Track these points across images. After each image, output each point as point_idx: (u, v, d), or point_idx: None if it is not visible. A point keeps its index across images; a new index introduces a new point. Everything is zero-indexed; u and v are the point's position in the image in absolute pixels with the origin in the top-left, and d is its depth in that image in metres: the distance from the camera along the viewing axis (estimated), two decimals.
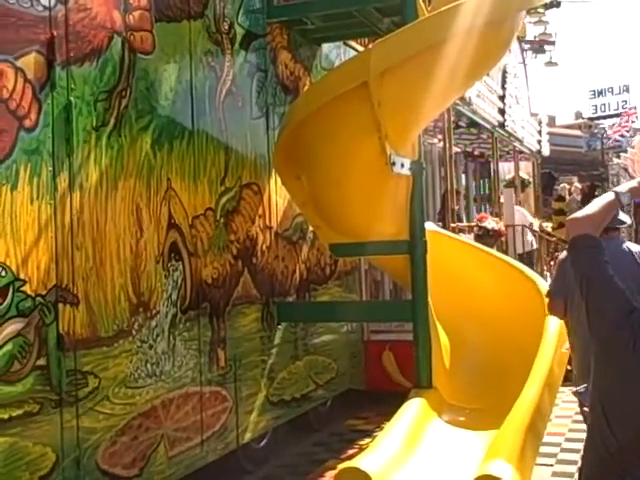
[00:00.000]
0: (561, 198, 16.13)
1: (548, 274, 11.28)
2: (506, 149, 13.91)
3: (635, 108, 28.67)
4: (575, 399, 6.95)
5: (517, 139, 13.40)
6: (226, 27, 5.60)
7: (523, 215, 12.15)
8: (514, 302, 6.44)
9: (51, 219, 3.93)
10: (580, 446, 6.25)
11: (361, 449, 5.80)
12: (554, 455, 6.10)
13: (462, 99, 9.41)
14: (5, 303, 3.64)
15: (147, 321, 4.59)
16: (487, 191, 14.85)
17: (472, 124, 11.37)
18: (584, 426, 5.66)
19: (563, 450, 6.26)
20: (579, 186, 18.10)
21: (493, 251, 8.01)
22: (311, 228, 6.55)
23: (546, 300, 5.00)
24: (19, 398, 3.68)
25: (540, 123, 16.07)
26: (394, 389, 6.88)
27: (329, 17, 6.55)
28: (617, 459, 2.28)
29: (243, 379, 5.59)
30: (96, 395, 4.14)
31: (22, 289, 3.74)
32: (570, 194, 17.00)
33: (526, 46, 17.38)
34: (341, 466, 4.40)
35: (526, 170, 16.18)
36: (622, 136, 26.71)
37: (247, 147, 5.84)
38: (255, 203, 5.91)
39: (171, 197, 4.88)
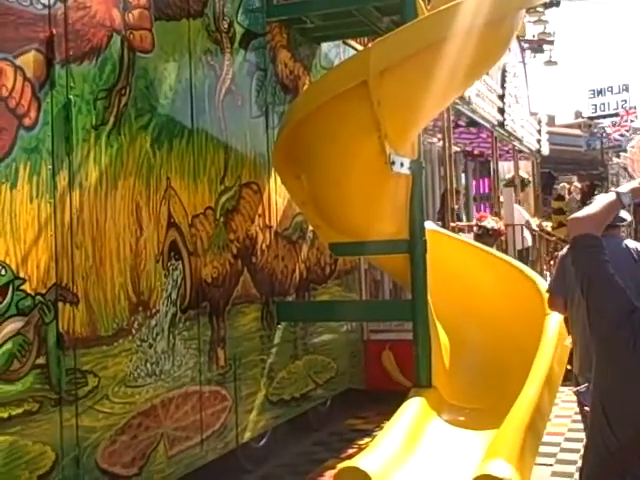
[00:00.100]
0: (560, 197, 16.14)
1: (548, 273, 11.29)
2: (505, 148, 13.91)
3: (635, 107, 28.66)
4: (574, 399, 6.95)
5: (517, 138, 13.40)
6: (225, 26, 5.60)
7: (520, 213, 12.15)
8: (514, 301, 6.43)
9: (51, 218, 3.93)
10: (579, 446, 6.28)
11: (361, 448, 5.80)
12: (554, 455, 6.10)
13: (462, 98, 9.41)
14: (5, 302, 3.64)
15: (147, 320, 4.59)
16: (487, 190, 14.86)
17: (472, 123, 11.36)
18: (583, 426, 5.67)
19: (563, 450, 6.26)
20: (578, 185, 18.10)
21: (493, 250, 8.01)
22: (311, 227, 6.55)
23: (546, 296, 5.01)
24: (19, 397, 3.68)
25: (540, 122, 16.07)
26: (394, 388, 6.88)
27: (329, 16, 6.54)
28: (617, 458, 2.28)
29: (243, 378, 5.59)
30: (96, 394, 4.14)
31: (22, 288, 3.74)
32: (570, 193, 17.00)
33: (525, 45, 17.36)
34: (341, 465, 4.39)
35: (526, 169, 16.18)
36: (622, 135, 26.71)
37: (247, 146, 5.83)
38: (255, 202, 5.90)
39: (171, 196, 4.87)
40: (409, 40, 5.34)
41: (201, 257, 5.15)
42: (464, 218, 11.98)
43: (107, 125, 4.37)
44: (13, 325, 3.67)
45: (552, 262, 11.96)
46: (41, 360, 3.82)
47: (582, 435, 6.18)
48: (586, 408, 3.91)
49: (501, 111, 11.81)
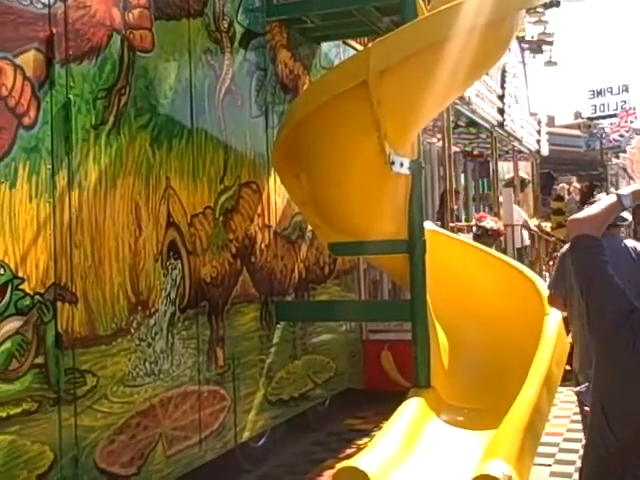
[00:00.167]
0: (560, 198, 16.13)
1: (547, 274, 11.28)
2: (505, 149, 13.91)
3: (634, 108, 28.63)
4: (573, 399, 6.95)
5: (516, 139, 13.39)
6: (225, 25, 5.60)
7: (517, 213, 12.14)
8: (513, 302, 6.43)
9: (50, 217, 3.93)
10: (578, 446, 6.29)
11: (359, 448, 5.80)
12: (552, 455, 6.10)
13: (461, 98, 9.41)
14: (4, 301, 3.64)
15: (146, 320, 4.59)
16: (486, 190, 14.86)
17: (471, 123, 11.36)
18: (583, 426, 5.67)
19: (561, 450, 6.27)
20: (578, 186, 18.10)
21: (492, 250, 8.01)
22: (310, 227, 6.54)
23: (546, 296, 5.03)
24: (17, 396, 3.67)
25: (539, 123, 16.06)
26: (392, 389, 6.88)
27: (329, 16, 6.54)
28: (617, 458, 2.28)
29: (241, 378, 5.59)
30: (94, 393, 4.14)
31: (21, 287, 3.74)
32: (569, 194, 17.00)
33: (524, 46, 17.35)
34: (339, 465, 4.40)
35: (525, 170, 16.18)
36: (621, 136, 26.70)
37: (246, 146, 5.83)
38: (254, 202, 5.90)
39: (170, 195, 4.87)
40: (409, 40, 5.34)
41: (200, 257, 5.15)
42: (463, 218, 11.98)
43: (107, 125, 4.37)
44: (12, 324, 3.67)
45: (551, 263, 11.96)
46: (40, 359, 3.82)
47: (581, 435, 6.18)
48: (586, 408, 3.91)
49: (501, 111, 11.80)
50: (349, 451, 6.27)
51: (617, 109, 28.57)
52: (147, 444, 4.55)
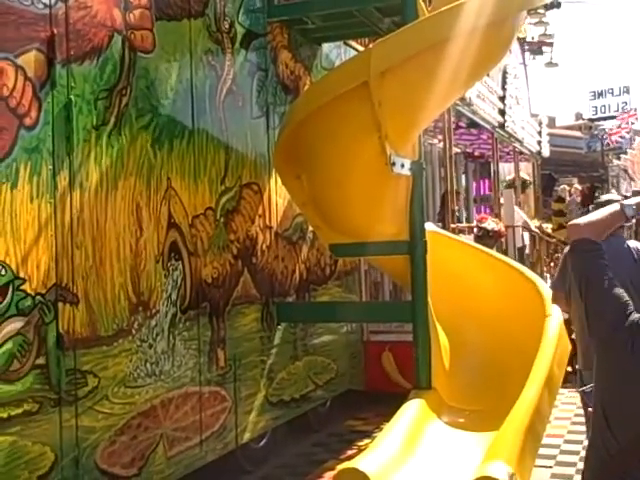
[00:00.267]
0: (561, 199, 16.13)
1: (548, 275, 11.28)
2: (506, 150, 13.91)
3: (635, 110, 28.65)
4: (574, 401, 6.94)
5: (517, 140, 13.40)
6: (227, 26, 5.59)
7: (518, 214, 12.15)
8: (514, 303, 6.42)
9: (51, 218, 3.93)
10: (579, 448, 6.28)
11: (360, 450, 5.80)
12: (553, 457, 6.10)
13: (462, 99, 9.41)
14: (5, 302, 3.64)
15: (147, 320, 4.58)
16: (487, 191, 14.86)
17: (472, 125, 11.37)
18: (583, 428, 5.68)
19: (562, 452, 6.26)
20: (579, 187, 18.11)
21: (493, 252, 8.00)
22: (311, 228, 6.54)
23: (546, 297, 5.02)
24: (18, 397, 3.67)
25: (540, 124, 16.07)
26: (393, 390, 6.87)
27: (330, 17, 6.54)
28: (617, 461, 2.28)
29: (242, 379, 5.58)
30: (95, 394, 4.14)
31: (22, 288, 3.74)
32: (570, 195, 17.01)
33: (525, 47, 17.35)
34: (340, 467, 4.39)
35: (526, 171, 16.18)
36: (622, 137, 26.72)
37: (247, 146, 5.83)
38: (255, 203, 5.90)
39: (171, 196, 4.87)
40: (410, 41, 5.34)
41: (201, 257, 5.15)
42: (464, 219, 11.98)
43: (108, 125, 4.37)
44: (13, 325, 3.67)
45: (552, 264, 11.96)
46: (41, 360, 3.82)
47: (582, 437, 6.19)
48: (589, 409, 3.91)
49: (502, 112, 11.81)
50: (350, 452, 6.26)
51: (618, 110, 28.59)
52: (148, 445, 4.55)
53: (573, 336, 5.39)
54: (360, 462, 4.20)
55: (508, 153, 14.32)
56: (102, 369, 4.19)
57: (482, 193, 15.69)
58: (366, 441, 6.37)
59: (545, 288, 6.09)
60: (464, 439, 5.11)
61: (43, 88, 3.92)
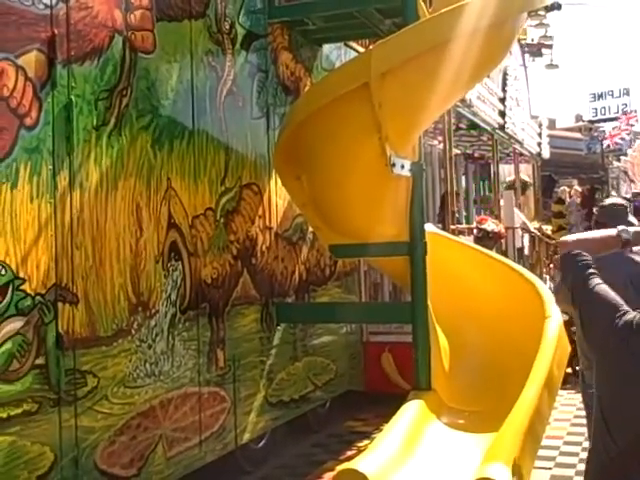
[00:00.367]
0: (561, 201, 16.13)
1: (547, 277, 11.29)
2: (506, 151, 13.91)
3: (635, 111, 28.67)
4: (574, 402, 6.94)
5: (517, 141, 13.40)
6: (227, 27, 5.60)
7: (517, 215, 12.15)
8: (514, 304, 6.42)
9: (51, 218, 3.93)
10: (579, 449, 6.27)
11: (360, 451, 5.80)
12: (553, 458, 6.10)
13: (463, 101, 9.41)
14: (4, 302, 3.64)
15: (146, 321, 4.59)
16: (487, 193, 14.86)
17: (472, 126, 11.37)
18: (583, 429, 5.68)
19: (562, 453, 6.26)
20: (579, 189, 18.09)
21: (493, 253, 8.00)
22: (311, 229, 6.54)
23: (546, 299, 5.03)
24: (18, 397, 3.67)
25: (540, 125, 16.07)
26: (393, 391, 6.86)
27: (330, 18, 6.54)
28: (617, 464, 2.28)
29: (242, 380, 5.58)
30: (95, 394, 4.14)
31: (21, 288, 3.74)
32: (570, 197, 17.00)
33: (525, 49, 17.35)
34: (339, 468, 4.39)
35: (526, 172, 16.19)
36: (622, 139, 26.72)
37: (247, 147, 5.83)
38: (255, 203, 5.90)
39: (171, 197, 4.87)
40: (410, 42, 5.34)
41: (201, 258, 5.15)
42: (464, 221, 11.98)
43: (108, 125, 4.37)
44: (12, 325, 3.67)
45: (552, 265, 11.96)
46: (40, 360, 3.82)
47: (581, 439, 6.19)
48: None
49: (502, 114, 11.81)
50: (349, 453, 6.26)
51: (618, 112, 28.60)
52: (147, 445, 4.55)
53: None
54: (359, 463, 4.20)
55: (508, 154, 14.32)
56: (101, 369, 4.19)
57: (482, 194, 15.68)
58: (365, 442, 6.37)
59: (544, 289, 6.09)
60: (464, 440, 5.11)
61: (44, 88, 3.92)
